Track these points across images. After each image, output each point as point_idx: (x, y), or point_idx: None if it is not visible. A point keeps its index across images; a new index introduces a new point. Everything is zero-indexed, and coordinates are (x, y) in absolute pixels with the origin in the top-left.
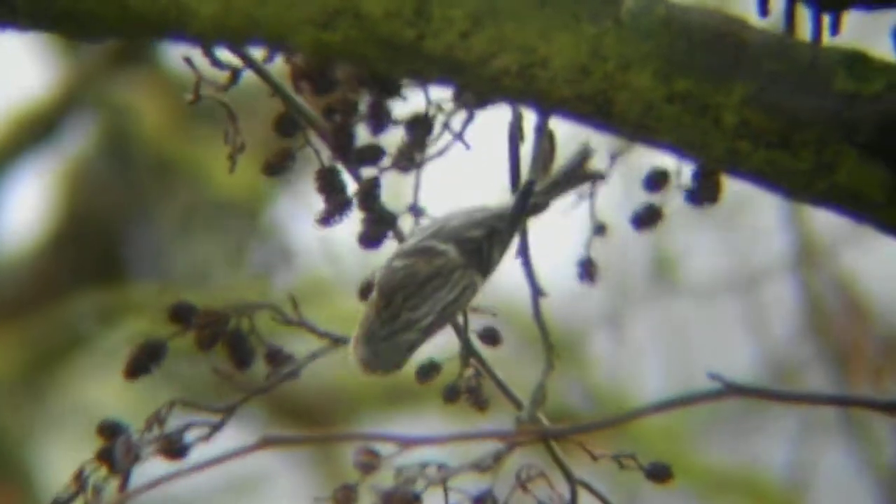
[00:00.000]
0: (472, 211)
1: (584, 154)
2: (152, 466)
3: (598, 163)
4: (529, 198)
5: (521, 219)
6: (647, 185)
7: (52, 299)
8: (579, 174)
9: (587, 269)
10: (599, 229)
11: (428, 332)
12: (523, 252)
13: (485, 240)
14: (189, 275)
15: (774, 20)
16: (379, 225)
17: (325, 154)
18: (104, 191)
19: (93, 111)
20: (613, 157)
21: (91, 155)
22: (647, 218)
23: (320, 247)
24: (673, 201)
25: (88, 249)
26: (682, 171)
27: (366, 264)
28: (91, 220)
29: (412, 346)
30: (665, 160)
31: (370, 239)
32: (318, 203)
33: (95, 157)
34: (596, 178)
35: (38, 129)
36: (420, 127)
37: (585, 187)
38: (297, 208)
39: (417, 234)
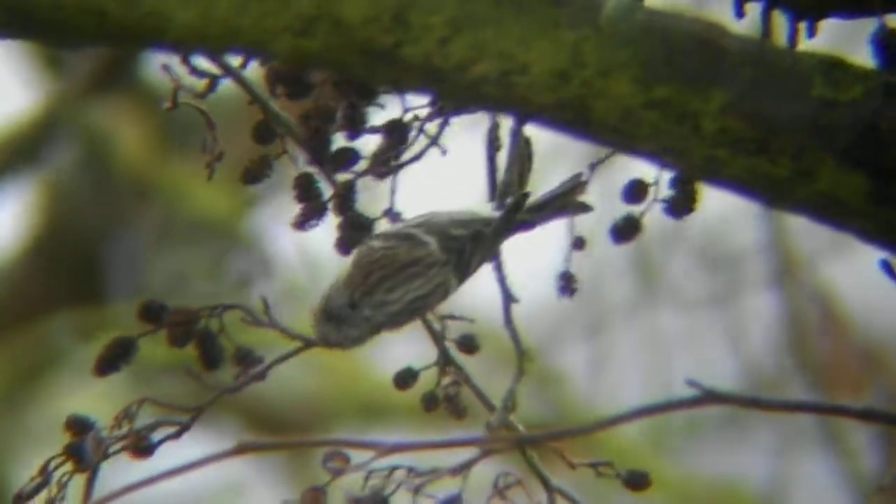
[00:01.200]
0: (460, 212)
1: (577, 183)
2: (124, 469)
3: (587, 195)
4: (519, 210)
5: (507, 230)
6: (626, 196)
7: (32, 316)
8: (568, 202)
9: (567, 283)
10: (578, 243)
11: (394, 319)
12: (495, 258)
13: (468, 241)
14: (167, 290)
15: (751, 25)
16: (355, 230)
17: (303, 161)
18: (82, 209)
19: (72, 133)
20: (592, 167)
21: (70, 174)
22: (625, 230)
23: (298, 255)
24: (652, 212)
25: (67, 266)
26: (662, 181)
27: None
28: (69, 238)
29: (376, 328)
30: (644, 171)
31: (347, 244)
32: (294, 211)
33: (74, 175)
34: (583, 210)
35: (18, 151)
36: (396, 132)
37: (570, 215)
38: (274, 218)
39: (402, 224)
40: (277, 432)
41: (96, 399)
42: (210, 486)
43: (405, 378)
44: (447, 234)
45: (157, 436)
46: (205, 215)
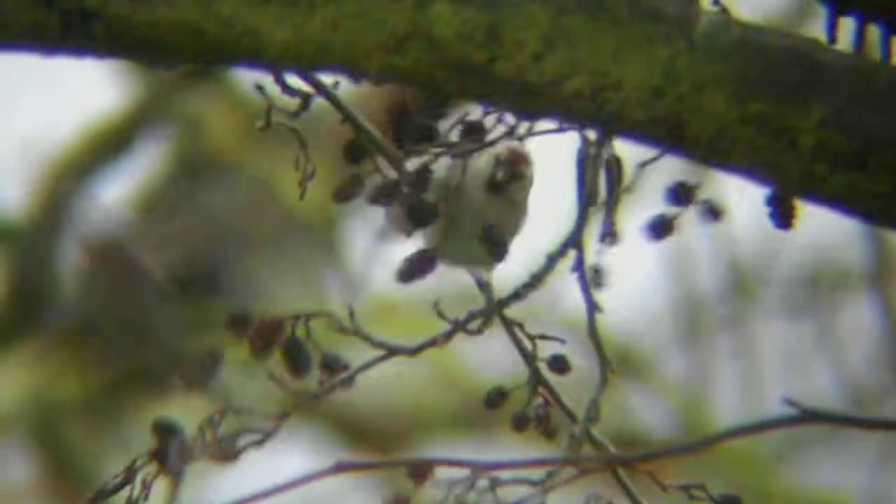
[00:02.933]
0: None
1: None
2: (212, 477)
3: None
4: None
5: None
6: (670, 197)
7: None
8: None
9: (599, 277)
10: (608, 237)
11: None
12: (578, 266)
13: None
14: (259, 292)
15: (845, 42)
16: (419, 215)
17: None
18: (172, 205)
19: (166, 126)
20: (642, 165)
21: (160, 170)
22: (659, 229)
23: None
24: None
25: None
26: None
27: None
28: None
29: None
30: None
31: (410, 230)
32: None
33: (162, 175)
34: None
35: (112, 144)
36: (474, 132)
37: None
38: (361, 231)
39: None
40: (371, 442)
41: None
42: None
43: (496, 398)
44: None
45: (241, 442)
46: (297, 216)
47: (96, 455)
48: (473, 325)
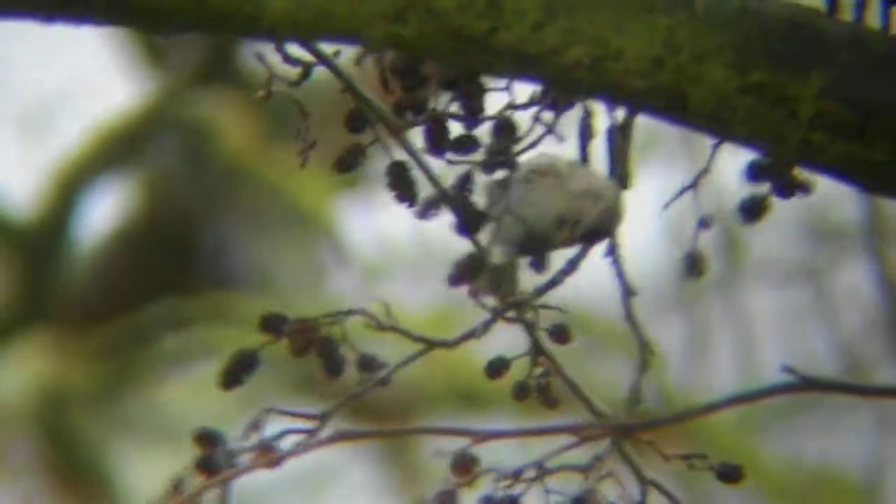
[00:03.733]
0: None
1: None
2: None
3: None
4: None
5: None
6: (749, 176)
7: (128, 306)
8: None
9: (694, 263)
10: (704, 222)
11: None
12: (612, 250)
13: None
14: (259, 279)
15: (844, 10)
16: (470, 221)
17: (395, 150)
18: (182, 200)
19: (176, 125)
20: (715, 147)
21: (169, 165)
22: (754, 209)
23: (375, 240)
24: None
25: (162, 256)
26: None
27: (425, 261)
28: (165, 228)
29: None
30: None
31: (466, 232)
32: (385, 200)
33: (173, 167)
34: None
35: (123, 144)
36: (507, 127)
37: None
38: (361, 206)
39: None
40: (372, 417)
41: (191, 388)
42: (304, 469)
43: (497, 367)
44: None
45: (285, 444)
46: (300, 205)
47: (103, 445)
48: (511, 313)
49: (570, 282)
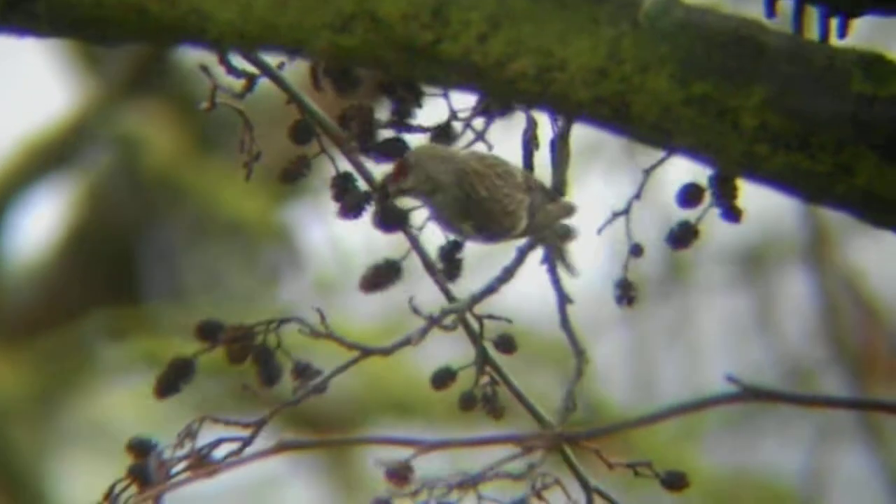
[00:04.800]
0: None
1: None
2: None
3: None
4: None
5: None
6: (680, 200)
7: (65, 317)
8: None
9: (625, 291)
10: (636, 250)
11: (472, 207)
12: (548, 259)
13: (538, 189)
14: (201, 288)
15: (783, 22)
16: (392, 220)
17: (340, 160)
18: (117, 209)
19: (107, 135)
20: (647, 172)
21: (105, 175)
22: (682, 236)
23: (330, 251)
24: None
25: (102, 266)
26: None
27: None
28: (104, 238)
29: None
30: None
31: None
32: (329, 208)
33: (109, 177)
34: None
35: (52, 155)
36: (442, 133)
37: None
38: (307, 213)
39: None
40: (314, 428)
41: (130, 399)
42: (246, 480)
43: (443, 377)
44: (528, 175)
45: (218, 452)
46: (237, 213)
47: (39, 455)
48: (447, 321)
49: (508, 292)
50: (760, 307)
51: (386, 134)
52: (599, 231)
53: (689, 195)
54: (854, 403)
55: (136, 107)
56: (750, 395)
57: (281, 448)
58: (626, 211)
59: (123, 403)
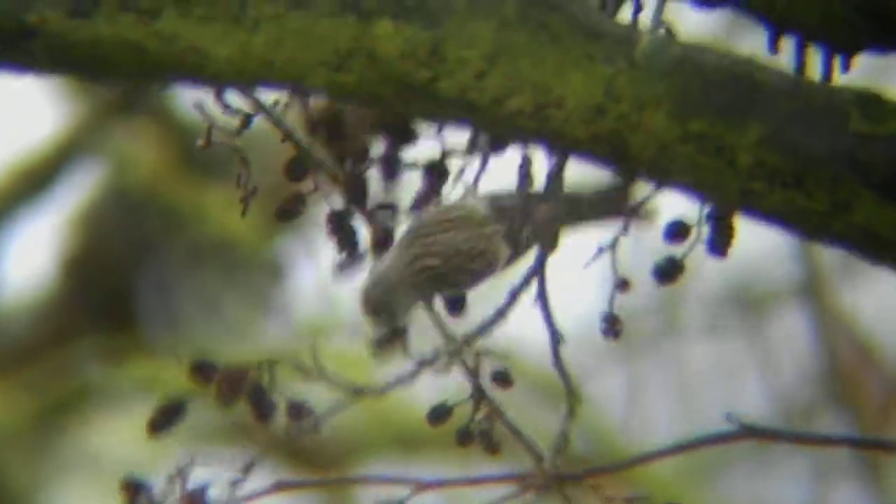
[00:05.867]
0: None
1: (619, 188)
2: None
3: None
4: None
5: (565, 216)
6: (667, 236)
7: (60, 345)
8: (613, 205)
9: (611, 325)
10: (622, 284)
11: (438, 279)
12: (541, 296)
13: (518, 212)
14: (196, 314)
15: (785, 60)
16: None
17: (335, 198)
18: (109, 235)
19: (94, 159)
20: (635, 209)
21: (95, 200)
22: (668, 271)
23: (319, 290)
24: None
25: (95, 294)
26: (703, 220)
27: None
28: (97, 264)
29: (427, 282)
30: (685, 210)
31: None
32: (324, 245)
33: (99, 203)
34: (632, 214)
35: (40, 178)
36: (435, 173)
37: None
38: (299, 247)
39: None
40: (311, 463)
41: (125, 427)
42: None
43: (439, 413)
44: (497, 200)
45: (210, 492)
46: (229, 239)
47: (33, 483)
48: (440, 362)
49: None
50: (756, 346)
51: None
52: (586, 266)
53: (676, 231)
54: (851, 442)
55: (123, 126)
56: (748, 433)
57: (278, 488)
58: (612, 245)
59: (119, 431)
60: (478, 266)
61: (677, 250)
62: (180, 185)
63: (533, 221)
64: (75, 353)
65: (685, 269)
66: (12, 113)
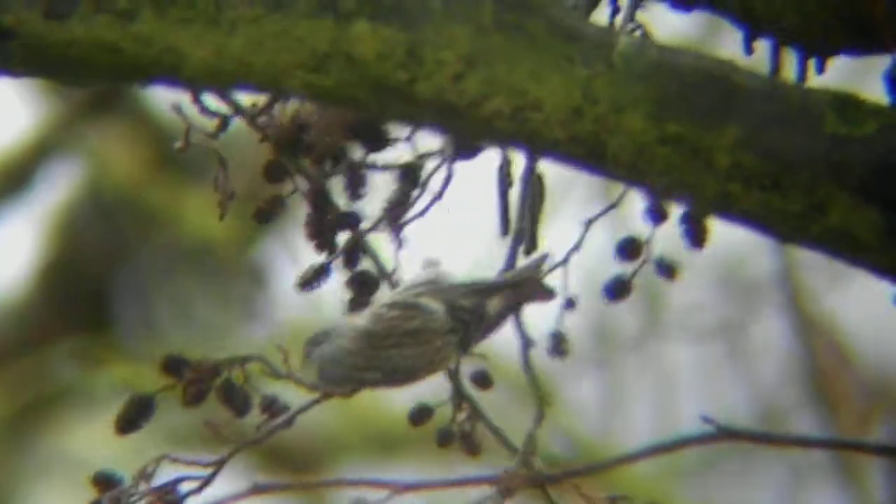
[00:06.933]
0: (468, 279)
1: (538, 264)
2: None
3: (549, 275)
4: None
5: (507, 313)
6: (619, 253)
7: (36, 347)
8: (531, 283)
9: (558, 344)
10: (570, 303)
11: (390, 377)
12: (513, 304)
13: (474, 316)
14: (173, 317)
15: (760, 62)
16: (362, 287)
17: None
18: (85, 237)
19: (70, 159)
20: (588, 224)
21: (71, 202)
22: (616, 290)
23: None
24: (663, 241)
25: (71, 296)
26: (653, 240)
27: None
28: (73, 266)
29: (364, 384)
30: (636, 228)
31: (358, 305)
32: (301, 246)
33: (75, 204)
34: (545, 295)
35: (13, 178)
36: (405, 182)
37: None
38: (279, 248)
39: (413, 285)
40: (290, 465)
41: (101, 430)
42: None
43: (420, 414)
44: (455, 303)
45: (180, 489)
46: (206, 242)
47: (10, 486)
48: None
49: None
50: (736, 349)
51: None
52: (545, 278)
53: (628, 249)
54: (828, 444)
55: (98, 126)
56: (725, 435)
57: (255, 490)
58: (565, 261)
59: (94, 434)
60: (418, 378)
61: (627, 268)
62: (157, 187)
63: (486, 320)
64: (51, 355)
65: (632, 289)
66: None
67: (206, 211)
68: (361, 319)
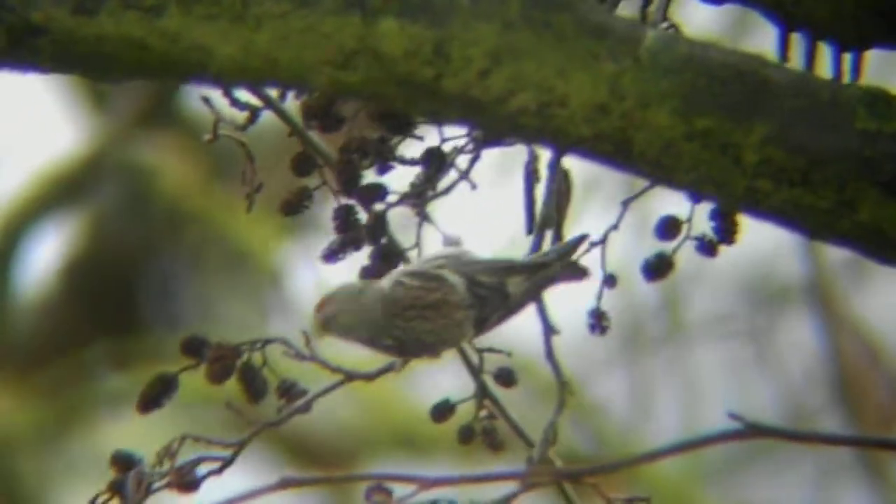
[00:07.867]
0: (492, 259)
1: (576, 243)
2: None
3: (587, 254)
4: (547, 277)
5: (534, 293)
6: (659, 232)
7: (68, 349)
8: (565, 266)
9: (598, 321)
10: (610, 280)
11: (407, 347)
12: (534, 290)
13: (494, 292)
14: (199, 320)
15: (795, 58)
16: (386, 260)
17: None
18: (123, 242)
19: (118, 169)
20: (625, 203)
21: (111, 208)
22: (658, 267)
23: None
24: (686, 246)
25: (102, 299)
26: (695, 218)
27: None
28: (108, 270)
29: (376, 347)
30: (677, 207)
31: (374, 273)
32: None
33: (115, 210)
34: (579, 276)
35: (65, 188)
36: (433, 162)
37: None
38: (308, 250)
39: (431, 258)
40: (316, 462)
41: (135, 427)
42: None
43: (442, 410)
44: (475, 278)
45: (200, 471)
46: (242, 247)
47: (45, 486)
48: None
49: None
50: (763, 348)
51: (370, 175)
52: (578, 261)
53: (668, 227)
54: (855, 441)
55: (148, 139)
56: (752, 432)
57: (284, 484)
58: (602, 241)
59: (127, 433)
60: (434, 351)
61: (668, 246)
62: (201, 193)
63: (507, 301)
64: (84, 356)
65: (674, 266)
66: (39, 123)
67: (241, 214)
68: (383, 283)
